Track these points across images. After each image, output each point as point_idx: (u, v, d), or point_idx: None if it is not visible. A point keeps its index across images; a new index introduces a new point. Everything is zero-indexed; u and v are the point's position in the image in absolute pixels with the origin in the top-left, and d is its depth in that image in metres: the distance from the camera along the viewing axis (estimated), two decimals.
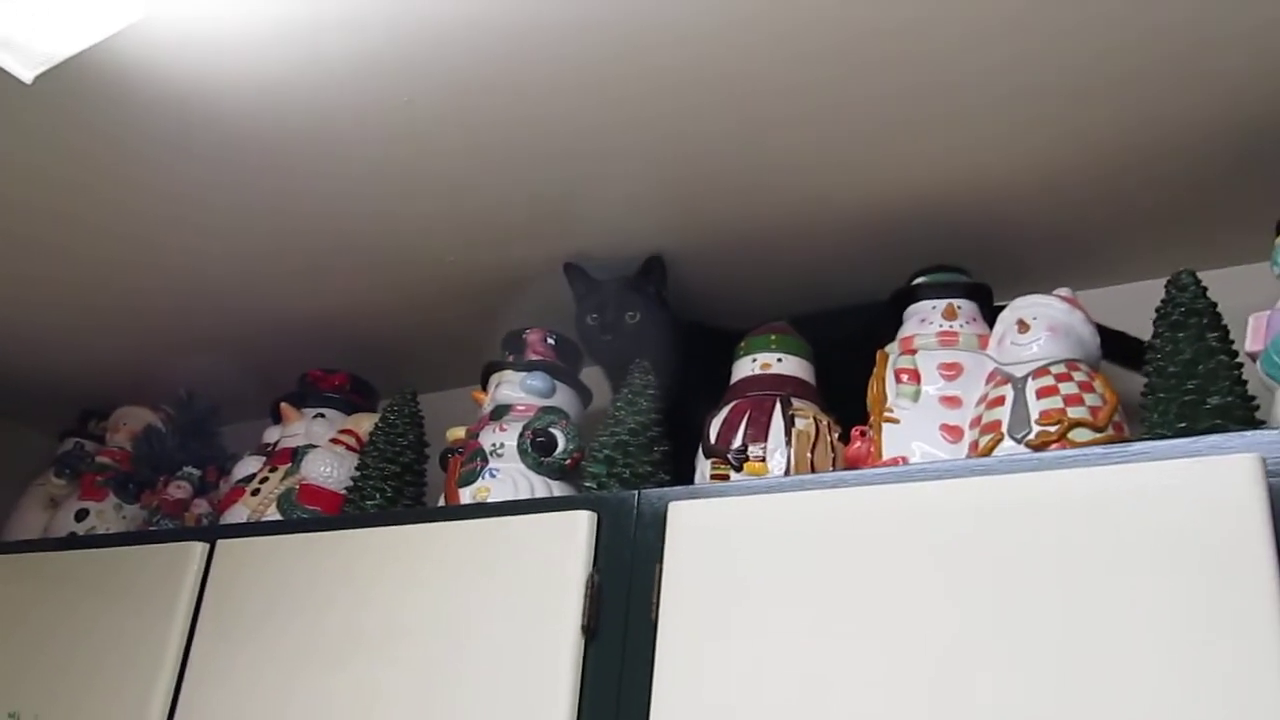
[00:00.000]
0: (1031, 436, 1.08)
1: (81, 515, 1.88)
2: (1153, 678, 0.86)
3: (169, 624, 1.47)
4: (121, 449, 1.96)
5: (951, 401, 1.18)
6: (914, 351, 1.23)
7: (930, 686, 0.94)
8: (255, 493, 1.62)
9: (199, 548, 1.51)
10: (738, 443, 1.25)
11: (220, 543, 1.50)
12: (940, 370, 1.20)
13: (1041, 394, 1.11)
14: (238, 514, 1.61)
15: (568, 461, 1.42)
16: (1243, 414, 1.02)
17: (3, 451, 2.32)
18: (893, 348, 1.27)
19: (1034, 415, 1.10)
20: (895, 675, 0.96)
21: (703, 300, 1.57)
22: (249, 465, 1.71)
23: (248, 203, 1.50)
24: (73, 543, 1.73)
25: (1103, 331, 1.19)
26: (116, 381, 2.11)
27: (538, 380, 1.48)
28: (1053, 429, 1.08)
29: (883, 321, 1.32)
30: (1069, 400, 1.10)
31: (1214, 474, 0.91)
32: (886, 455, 1.16)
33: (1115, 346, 1.24)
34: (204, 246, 1.62)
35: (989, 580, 0.96)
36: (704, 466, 1.28)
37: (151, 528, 1.80)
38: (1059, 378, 1.12)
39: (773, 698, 1.01)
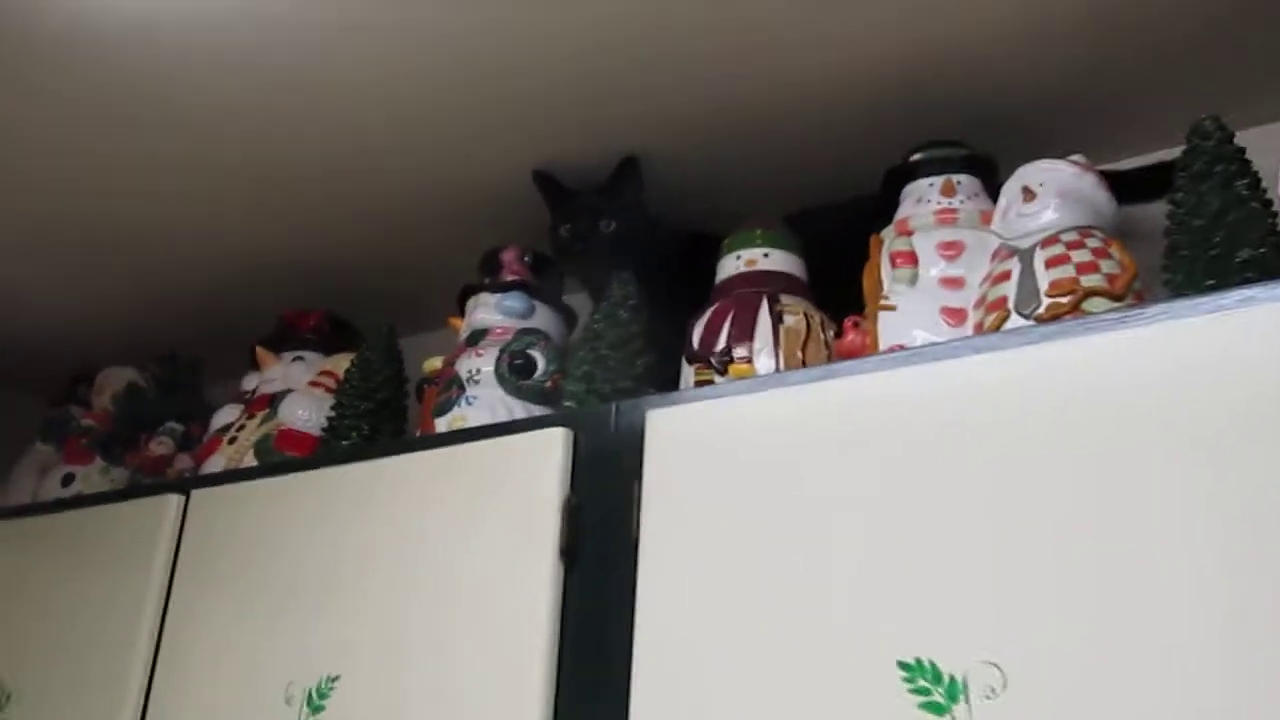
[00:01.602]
0: (1041, 310, 0.97)
1: (68, 480, 1.81)
2: (1184, 559, 0.75)
3: (147, 580, 1.39)
4: (105, 410, 1.89)
5: (953, 283, 1.07)
6: (910, 233, 1.12)
7: (933, 594, 0.84)
8: (232, 441, 1.54)
9: (174, 500, 1.43)
10: (721, 344, 1.15)
11: (195, 493, 1.43)
12: (939, 250, 1.09)
13: (1051, 264, 1.00)
14: (215, 465, 1.54)
15: (548, 384, 1.33)
16: (1279, 267, 0.90)
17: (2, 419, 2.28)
18: (888, 232, 1.16)
19: (1043, 287, 0.98)
20: (900, 581, 0.86)
21: (685, 204, 1.46)
22: (226, 414, 1.62)
23: (208, 140, 1.43)
24: (46, 507, 1.66)
25: (1118, 176, 1.07)
26: (108, 345, 2.05)
27: (514, 301, 1.38)
28: (1065, 300, 0.96)
29: (876, 214, 1.21)
30: (1082, 268, 0.98)
31: (1246, 329, 0.79)
32: (883, 345, 1.05)
33: (1136, 183, 1.13)
34: (163, 189, 1.54)
35: (1000, 467, 0.85)
36: (687, 374, 1.18)
37: (131, 486, 1.73)
38: (1070, 245, 1.00)
39: (766, 613, 0.91)
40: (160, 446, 1.73)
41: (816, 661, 0.88)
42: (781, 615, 0.90)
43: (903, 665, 0.83)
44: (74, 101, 1.35)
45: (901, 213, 1.16)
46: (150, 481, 1.69)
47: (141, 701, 1.32)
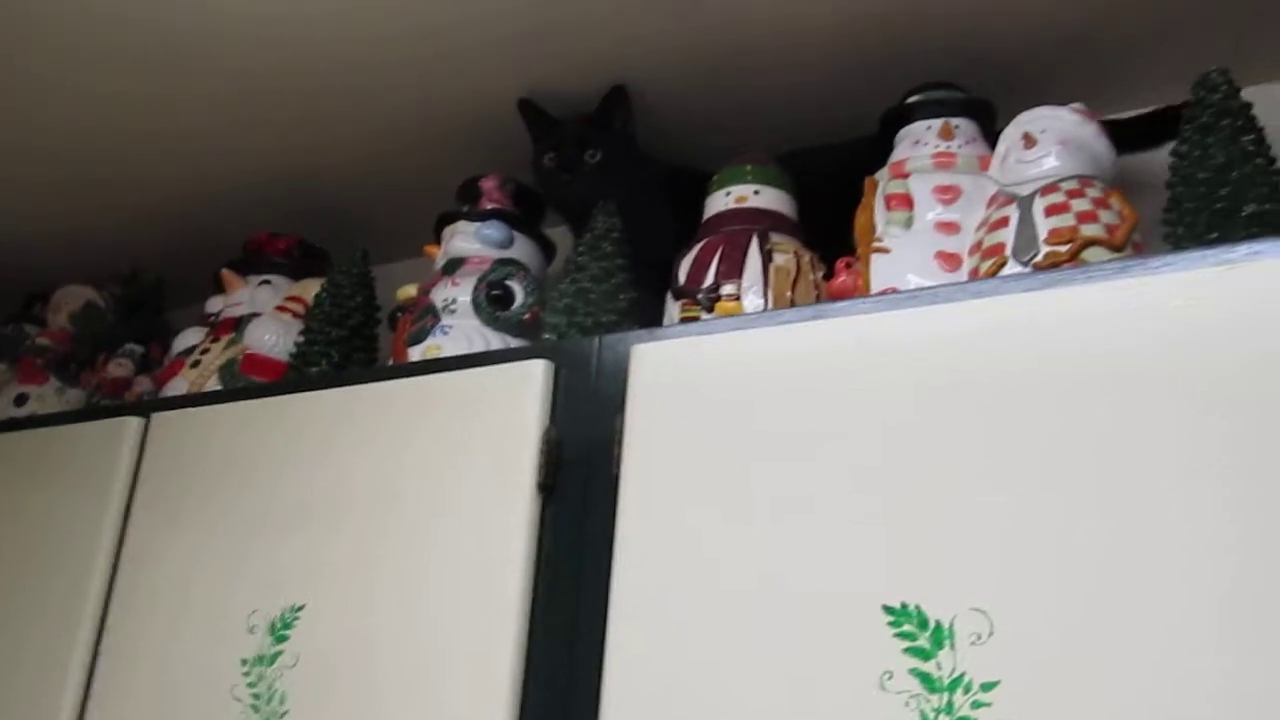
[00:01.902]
0: (1039, 258, 0.96)
1: (21, 400, 1.76)
2: (1187, 510, 0.74)
3: (104, 504, 1.35)
4: (62, 329, 1.83)
5: (948, 227, 1.05)
6: (906, 175, 1.10)
7: (922, 540, 0.83)
8: (195, 365, 1.50)
9: (133, 423, 1.39)
10: (709, 281, 1.12)
11: (155, 416, 1.38)
12: (936, 194, 1.07)
13: (1050, 211, 0.98)
14: (177, 388, 1.49)
15: (526, 316, 1.30)
16: None
17: None
18: (883, 174, 1.13)
19: (1042, 235, 0.97)
20: (887, 526, 0.85)
21: (676, 139, 1.42)
22: (190, 337, 1.58)
23: (171, 45, 1.35)
24: (2, 425, 1.61)
25: (1119, 125, 1.05)
26: (65, 261, 1.98)
27: (493, 230, 1.35)
28: (1063, 248, 0.95)
29: (870, 158, 1.18)
30: (1082, 217, 0.97)
31: (1252, 283, 0.78)
32: (875, 288, 1.03)
33: (1134, 131, 1.12)
34: (130, 97, 1.47)
35: (993, 414, 0.84)
36: (673, 310, 1.16)
37: (89, 407, 1.68)
38: (1070, 194, 0.99)
39: (748, 555, 0.89)
40: (119, 368, 1.68)
41: (800, 605, 0.86)
42: (765, 558, 0.89)
43: (888, 609, 0.82)
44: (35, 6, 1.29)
45: (897, 155, 1.14)
46: (109, 403, 1.65)
47: (97, 627, 1.28)
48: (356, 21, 1.30)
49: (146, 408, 1.41)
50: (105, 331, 1.76)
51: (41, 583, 1.37)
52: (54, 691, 1.26)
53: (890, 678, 0.80)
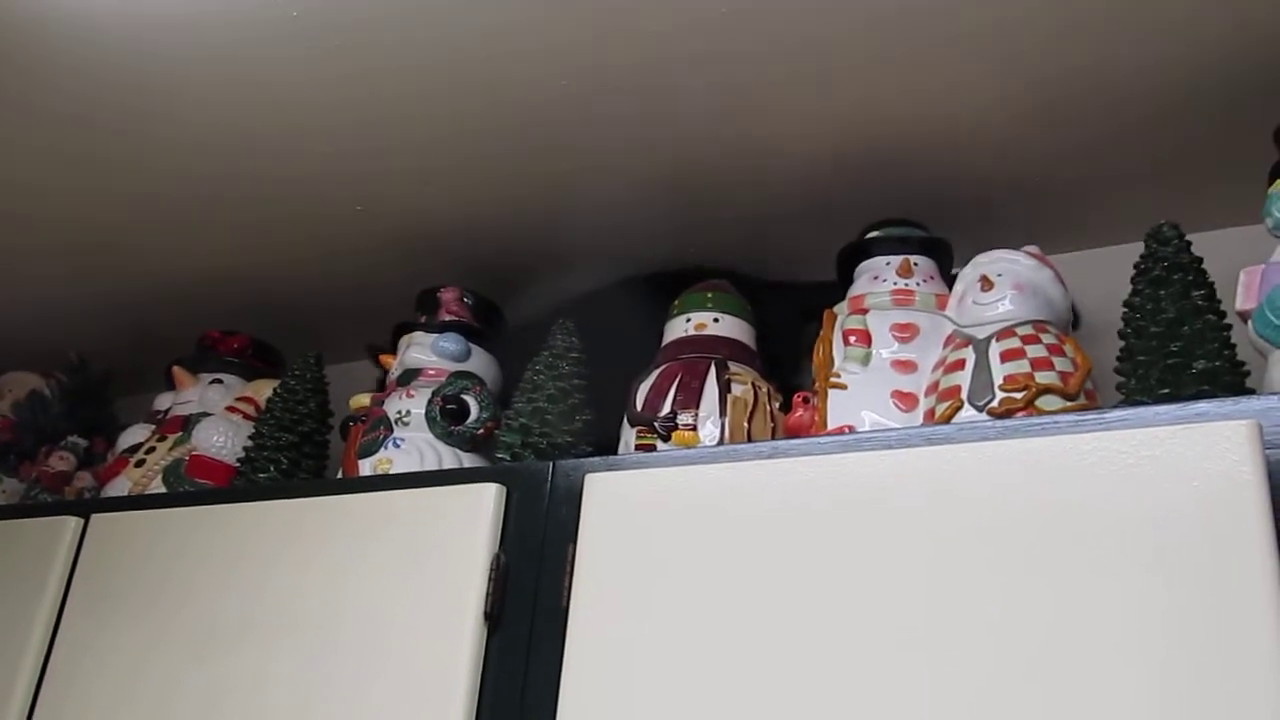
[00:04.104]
0: (995, 403, 0.96)
1: None
2: (1131, 671, 0.74)
3: (35, 609, 1.31)
4: (4, 417, 1.78)
5: (905, 366, 1.06)
6: (865, 311, 1.10)
7: (871, 682, 0.82)
8: (140, 464, 1.46)
9: (72, 522, 1.35)
10: (666, 409, 1.12)
11: (95, 517, 1.35)
12: (894, 331, 1.08)
13: (1006, 357, 0.99)
14: (120, 487, 1.45)
15: (480, 431, 1.28)
16: (1231, 380, 0.91)
17: None
18: (841, 307, 1.14)
19: (998, 380, 0.97)
20: (834, 670, 0.84)
21: (640, 257, 1.43)
22: (136, 434, 1.55)
23: (137, 147, 1.35)
24: None
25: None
26: (10, 347, 1.94)
27: (450, 342, 1.34)
28: (1019, 395, 0.95)
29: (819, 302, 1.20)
30: (1037, 364, 0.98)
31: (1203, 443, 0.79)
32: (831, 424, 1.03)
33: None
34: (89, 189, 1.46)
35: (945, 565, 0.83)
36: (629, 436, 1.15)
37: (28, 502, 1.63)
38: (1025, 339, 1.00)
39: (695, 692, 0.88)
40: (61, 461, 1.64)
41: None
42: (711, 697, 0.87)
43: None
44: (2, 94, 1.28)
45: (856, 289, 1.15)
46: (49, 499, 1.60)
47: None
48: (321, 133, 1.30)
49: (86, 508, 1.38)
50: (49, 422, 1.71)
51: None
52: None
53: None
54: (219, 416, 1.50)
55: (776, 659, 0.86)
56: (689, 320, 1.22)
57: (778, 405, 1.14)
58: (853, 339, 1.08)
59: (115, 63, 1.20)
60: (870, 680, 0.82)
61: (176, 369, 1.58)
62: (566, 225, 1.41)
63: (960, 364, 1.01)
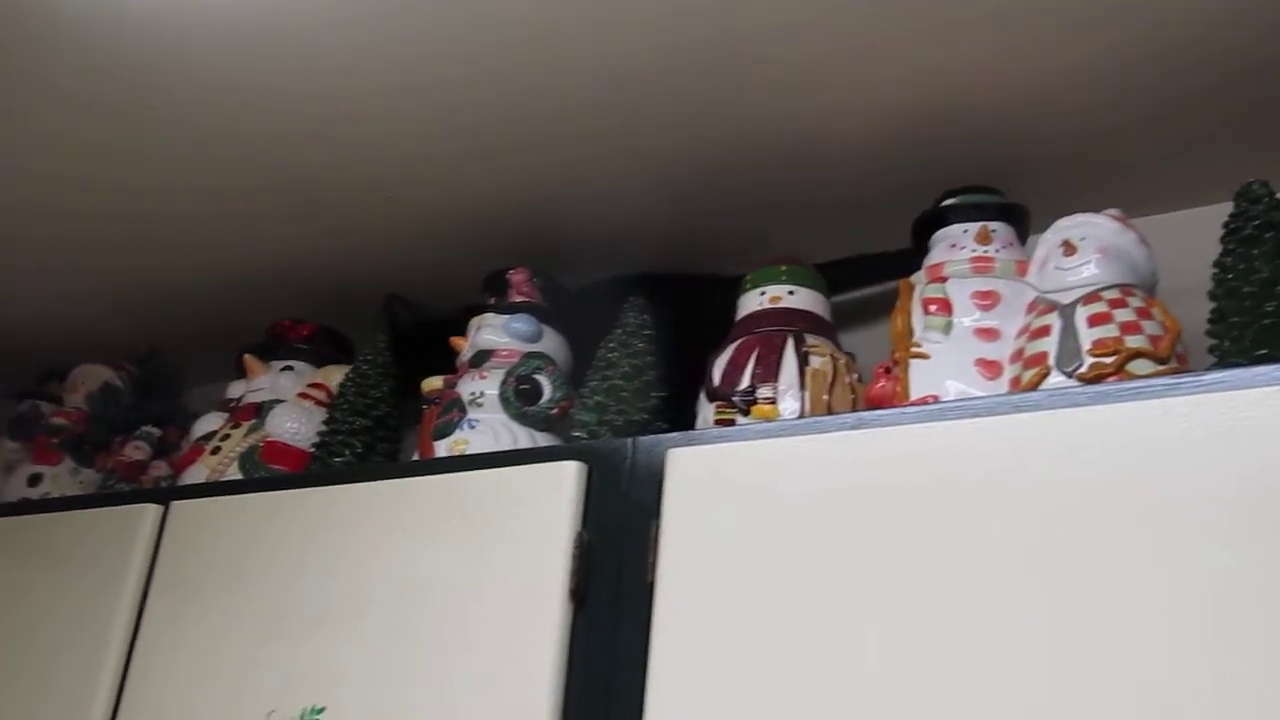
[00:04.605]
0: (1083, 369, 0.94)
1: (35, 480, 1.74)
2: (1231, 642, 0.72)
3: (118, 595, 1.33)
4: (78, 409, 1.81)
5: (988, 334, 1.04)
6: (944, 279, 1.09)
7: (963, 656, 0.81)
8: (215, 451, 1.48)
9: (152, 510, 1.37)
10: (744, 384, 1.11)
11: (174, 504, 1.36)
12: (974, 299, 1.06)
13: (1093, 321, 0.97)
14: (196, 474, 1.48)
15: (554, 410, 1.28)
16: None
17: None
18: (919, 277, 1.13)
19: (1085, 345, 0.96)
20: (923, 643, 0.83)
21: (708, 247, 1.43)
22: (209, 422, 1.57)
23: (202, 141, 1.37)
24: (13, 508, 1.58)
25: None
26: (83, 340, 1.97)
27: (522, 323, 1.34)
28: (1108, 360, 0.94)
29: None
30: (1125, 328, 0.96)
31: None
32: (915, 394, 1.02)
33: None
34: (158, 183, 1.48)
35: (1037, 535, 0.82)
36: (707, 412, 1.14)
37: (106, 492, 1.66)
38: (1113, 304, 0.98)
39: (784, 669, 0.87)
40: (136, 451, 1.67)
41: (839, 717, 0.84)
42: (802, 668, 0.87)
43: None
44: (72, 92, 1.30)
45: (934, 257, 1.13)
46: (125, 488, 1.63)
47: None
48: (391, 117, 1.30)
49: (165, 495, 1.39)
50: (122, 413, 1.74)
51: (48, 674, 1.34)
52: None
53: None
54: (291, 403, 1.51)
55: (865, 633, 0.85)
56: (763, 293, 1.21)
57: (856, 376, 1.13)
58: (933, 308, 1.07)
59: (173, 52, 1.22)
60: (959, 652, 0.81)
61: (248, 357, 1.59)
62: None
63: (1045, 330, 0.99)
